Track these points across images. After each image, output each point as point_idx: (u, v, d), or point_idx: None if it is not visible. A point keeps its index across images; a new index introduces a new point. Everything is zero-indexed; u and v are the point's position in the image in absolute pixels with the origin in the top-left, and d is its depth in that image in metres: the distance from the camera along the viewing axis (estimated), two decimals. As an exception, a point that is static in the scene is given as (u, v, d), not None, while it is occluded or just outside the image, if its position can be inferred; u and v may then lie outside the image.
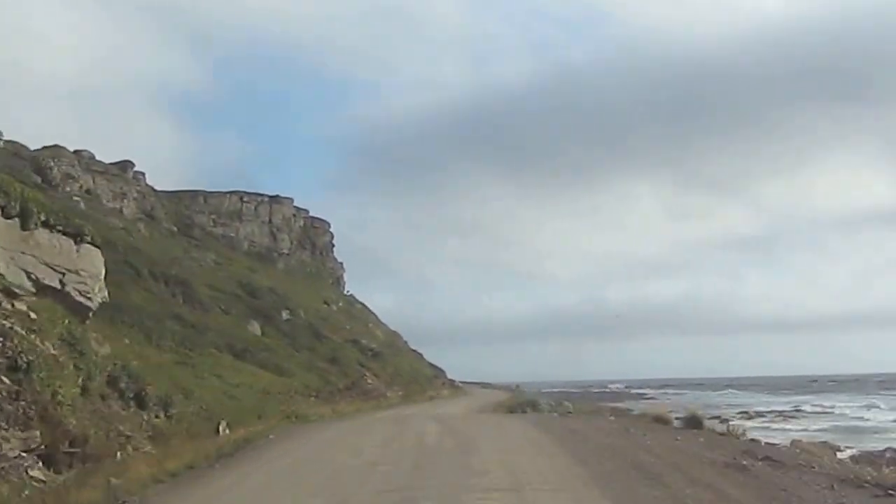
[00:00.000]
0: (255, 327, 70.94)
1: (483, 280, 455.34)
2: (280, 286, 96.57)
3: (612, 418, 43.01)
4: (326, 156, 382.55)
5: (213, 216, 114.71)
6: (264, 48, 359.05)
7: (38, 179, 77.50)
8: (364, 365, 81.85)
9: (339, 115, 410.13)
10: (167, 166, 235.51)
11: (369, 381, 78.29)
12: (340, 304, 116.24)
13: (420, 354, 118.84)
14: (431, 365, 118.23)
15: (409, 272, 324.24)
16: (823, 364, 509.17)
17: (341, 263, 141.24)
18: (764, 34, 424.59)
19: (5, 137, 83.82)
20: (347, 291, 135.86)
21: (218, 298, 73.01)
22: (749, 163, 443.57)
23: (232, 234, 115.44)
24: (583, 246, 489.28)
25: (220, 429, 30.09)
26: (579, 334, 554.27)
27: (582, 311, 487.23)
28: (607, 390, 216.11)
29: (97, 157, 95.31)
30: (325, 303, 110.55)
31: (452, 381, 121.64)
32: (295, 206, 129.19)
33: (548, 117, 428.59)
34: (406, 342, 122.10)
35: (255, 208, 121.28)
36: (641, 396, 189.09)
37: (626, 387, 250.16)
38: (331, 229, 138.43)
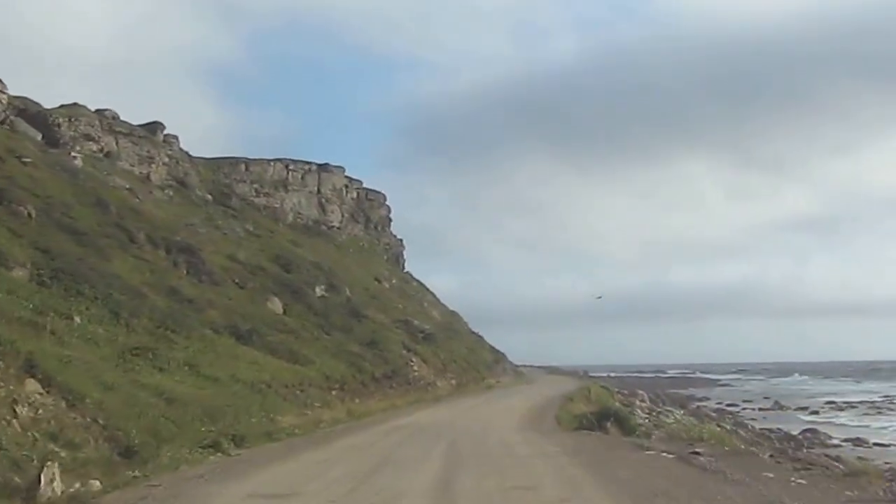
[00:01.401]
0: (275, 305, 57.60)
1: (542, 261, 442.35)
2: (325, 261, 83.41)
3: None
4: (376, 133, 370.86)
5: (255, 185, 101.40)
6: (304, 21, 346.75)
7: (39, 136, 64.97)
8: (411, 349, 68.42)
9: (385, 91, 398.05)
10: (205, 134, 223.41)
11: (415, 368, 65.00)
12: (394, 281, 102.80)
13: (480, 337, 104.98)
14: (492, 349, 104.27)
15: (468, 253, 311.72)
16: (891, 349, 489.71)
17: (401, 240, 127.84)
18: (821, 11, 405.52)
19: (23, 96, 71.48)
20: (405, 270, 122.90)
21: (234, 270, 59.75)
22: (808, 142, 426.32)
23: (276, 205, 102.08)
24: (642, 227, 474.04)
25: (43, 478, 15.84)
26: (641, 317, 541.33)
27: (644, 294, 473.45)
28: (675, 375, 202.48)
29: (123, 119, 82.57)
30: (377, 280, 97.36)
31: (515, 365, 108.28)
32: (347, 177, 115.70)
33: (600, 96, 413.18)
34: (466, 324, 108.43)
35: (303, 177, 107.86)
36: (715, 383, 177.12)
37: (693, 372, 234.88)
38: (387, 202, 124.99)
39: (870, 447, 64.36)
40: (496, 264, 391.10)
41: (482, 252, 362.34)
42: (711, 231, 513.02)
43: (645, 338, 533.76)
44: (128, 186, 66.48)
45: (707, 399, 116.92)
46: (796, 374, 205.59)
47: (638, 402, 77.71)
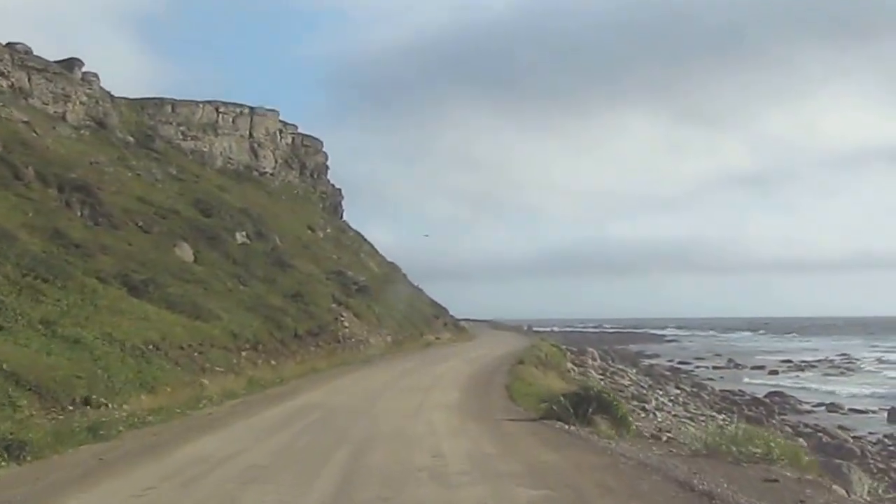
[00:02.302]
0: (184, 251, 49.29)
1: (481, 215, 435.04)
2: (254, 208, 75.09)
3: None
4: (309, 85, 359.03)
5: (182, 128, 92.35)
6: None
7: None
8: (342, 303, 60.49)
9: (318, 41, 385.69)
10: (130, 76, 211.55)
11: (346, 324, 57.10)
12: (329, 230, 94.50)
13: (420, 290, 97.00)
14: (433, 302, 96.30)
15: (405, 207, 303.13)
16: (827, 305, 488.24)
17: (339, 189, 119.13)
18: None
19: None
20: (343, 220, 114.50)
21: (139, 213, 51.30)
22: (747, 96, 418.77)
23: (204, 149, 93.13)
24: (582, 181, 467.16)
25: None
26: (581, 271, 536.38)
27: (584, 248, 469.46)
28: (620, 330, 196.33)
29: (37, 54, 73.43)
30: (311, 229, 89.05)
31: (456, 320, 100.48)
32: (281, 121, 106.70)
33: (535, 49, 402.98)
34: (405, 276, 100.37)
35: (233, 121, 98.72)
36: (662, 338, 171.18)
37: (638, 327, 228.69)
38: (324, 149, 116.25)
39: (845, 413, 57.98)
40: (435, 218, 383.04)
41: (420, 206, 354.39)
42: (651, 186, 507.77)
43: (585, 292, 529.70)
44: (25, 120, 57.65)
45: (657, 356, 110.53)
46: (746, 332, 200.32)
47: (590, 361, 70.79)
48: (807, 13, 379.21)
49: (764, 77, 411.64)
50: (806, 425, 50.21)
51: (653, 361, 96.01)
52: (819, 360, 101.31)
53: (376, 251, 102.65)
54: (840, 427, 50.12)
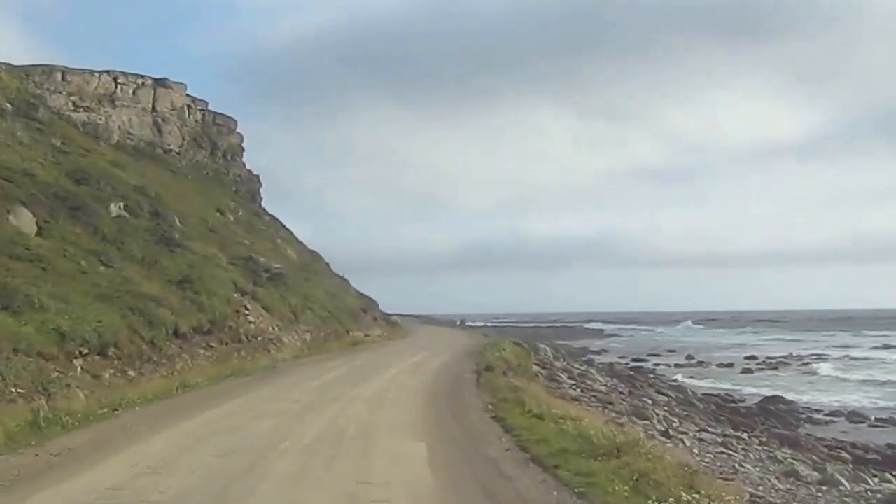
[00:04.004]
0: (22, 220, 34.70)
1: (398, 209, 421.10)
2: (155, 187, 60.76)
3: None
4: (207, 77, 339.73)
5: (73, 98, 77.66)
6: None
7: None
8: (248, 293, 46.40)
9: (215, 32, 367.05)
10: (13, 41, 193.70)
11: (251, 318, 43.08)
12: (241, 213, 79.96)
13: (345, 280, 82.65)
14: (360, 294, 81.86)
15: (316, 200, 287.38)
16: (741, 300, 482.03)
17: (257, 176, 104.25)
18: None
19: None
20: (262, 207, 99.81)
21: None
22: (654, 90, 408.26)
23: (100, 122, 78.49)
24: (497, 175, 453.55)
25: None
26: (503, 266, 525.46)
27: (504, 242, 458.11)
28: (557, 325, 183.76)
29: None
30: (220, 211, 74.64)
31: (386, 314, 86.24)
32: (189, 95, 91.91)
33: (439, 39, 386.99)
34: (328, 265, 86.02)
35: (134, 92, 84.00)
36: (602, 334, 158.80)
37: (555, 321, 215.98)
38: (238, 129, 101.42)
39: (875, 424, 45.31)
40: (349, 213, 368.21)
41: (333, 200, 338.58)
42: (565, 180, 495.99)
43: (507, 286, 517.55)
44: None
45: (605, 352, 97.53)
46: (679, 325, 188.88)
47: (555, 363, 57.36)
48: (714, 9, 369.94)
49: (672, 73, 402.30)
50: (855, 446, 37.04)
51: (603, 359, 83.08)
52: (783, 356, 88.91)
53: (295, 238, 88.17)
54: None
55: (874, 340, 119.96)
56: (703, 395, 54.66)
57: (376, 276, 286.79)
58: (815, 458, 32.45)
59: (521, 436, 16.67)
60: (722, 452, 29.00)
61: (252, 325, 42.48)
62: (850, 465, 31.35)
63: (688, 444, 29.01)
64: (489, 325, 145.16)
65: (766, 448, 33.45)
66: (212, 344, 35.97)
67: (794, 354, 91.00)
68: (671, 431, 31.11)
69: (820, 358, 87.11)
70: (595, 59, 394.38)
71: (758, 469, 25.72)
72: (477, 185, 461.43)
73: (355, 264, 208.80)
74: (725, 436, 35.63)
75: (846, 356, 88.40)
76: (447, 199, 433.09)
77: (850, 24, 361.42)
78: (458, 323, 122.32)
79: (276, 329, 45.38)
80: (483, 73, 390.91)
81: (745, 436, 36.78)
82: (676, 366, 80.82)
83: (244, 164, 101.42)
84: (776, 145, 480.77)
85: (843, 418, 46.80)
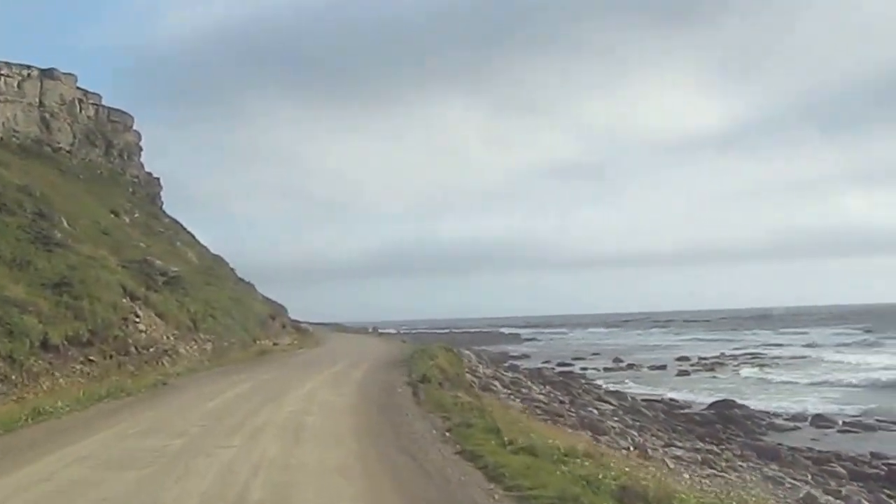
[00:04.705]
0: None
1: (303, 214, 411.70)
2: (41, 186, 54.13)
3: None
4: (96, 78, 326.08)
5: (-53, 91, 70.55)
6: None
7: None
8: (140, 298, 40.14)
9: (103, 31, 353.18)
10: None
11: (142, 326, 36.83)
12: (137, 215, 73.24)
13: (251, 285, 76.23)
14: (267, 300, 75.47)
15: (218, 207, 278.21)
16: (661, 301, 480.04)
17: (158, 179, 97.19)
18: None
19: None
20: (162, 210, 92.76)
21: None
22: (571, 85, 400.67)
23: (-21, 118, 71.41)
24: (406, 176, 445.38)
25: None
26: (414, 271, 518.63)
27: (414, 246, 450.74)
28: (472, 330, 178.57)
29: None
30: (114, 213, 67.96)
31: (297, 322, 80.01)
32: (80, 88, 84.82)
33: (338, 36, 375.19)
34: (233, 270, 79.55)
35: (19, 85, 76.88)
36: (519, 338, 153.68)
37: (471, 326, 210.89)
38: (135, 127, 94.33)
39: (844, 429, 40.84)
40: (254, 218, 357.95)
41: (237, 205, 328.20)
42: (476, 180, 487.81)
43: (417, 292, 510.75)
44: None
45: (527, 357, 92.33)
46: (600, 328, 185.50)
47: (481, 370, 51.90)
48: None
49: (586, 65, 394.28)
50: (841, 457, 32.20)
51: (527, 364, 77.68)
52: (718, 355, 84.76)
53: (197, 242, 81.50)
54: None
55: (801, 338, 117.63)
56: (646, 401, 49.68)
57: (284, 284, 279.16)
58: (808, 474, 27.53)
59: (520, 489, 11.00)
60: (712, 474, 23.84)
61: (143, 335, 36.32)
62: (858, 484, 26.47)
63: (671, 465, 23.69)
64: (402, 331, 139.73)
65: (750, 464, 28.45)
66: (91, 357, 29.89)
67: (727, 354, 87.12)
68: (650, 451, 25.73)
69: (755, 357, 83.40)
70: (506, 51, 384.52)
71: (772, 498, 20.47)
72: (385, 188, 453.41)
73: (262, 271, 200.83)
74: (696, 450, 30.60)
75: (781, 356, 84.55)
76: (355, 202, 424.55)
77: (779, 7, 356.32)
78: (371, 330, 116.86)
79: (172, 338, 39.26)
80: (390, 70, 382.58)
81: (717, 449, 31.77)
82: (606, 370, 75.95)
83: (142, 166, 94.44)
84: (697, 136, 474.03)
85: (806, 423, 42.22)
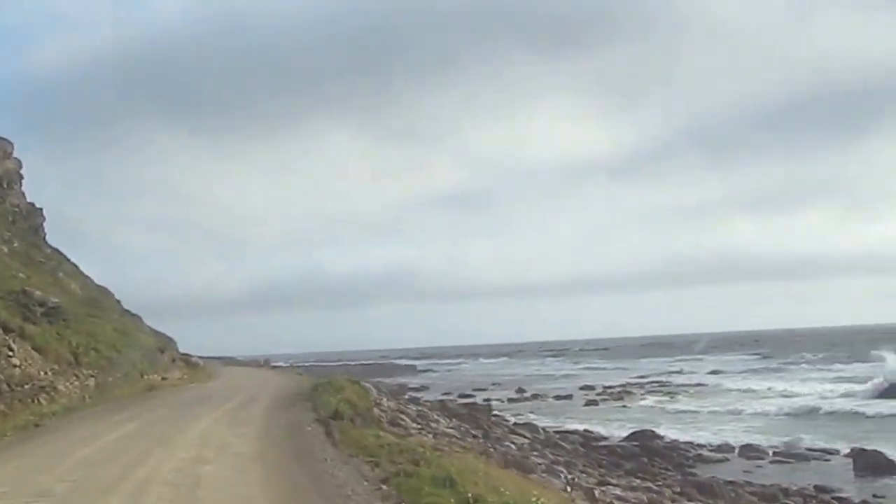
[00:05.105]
0: None
1: (189, 246, 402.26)
2: None
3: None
4: None
5: None
6: None
7: None
8: (15, 330, 36.06)
9: None
10: None
11: (16, 360, 32.78)
12: (16, 244, 68.38)
13: (138, 317, 71.72)
14: (156, 333, 71.04)
15: (99, 240, 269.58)
16: (554, 330, 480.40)
17: (40, 209, 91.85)
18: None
19: None
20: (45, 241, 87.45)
21: None
22: (459, 112, 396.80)
23: None
24: (290, 207, 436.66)
25: None
26: (302, 303, 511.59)
27: (301, 278, 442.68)
28: (366, 363, 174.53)
29: None
30: (-10, 243, 63.21)
31: (187, 355, 75.66)
32: (-48, 113, 79.80)
33: (219, 62, 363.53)
34: (119, 302, 74.94)
35: None
36: (415, 370, 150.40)
37: (365, 359, 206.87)
38: (14, 154, 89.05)
39: (776, 460, 38.56)
40: (139, 250, 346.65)
41: (122, 237, 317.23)
42: (364, 211, 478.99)
43: (307, 325, 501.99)
44: None
45: (426, 389, 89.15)
46: (497, 358, 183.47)
47: (385, 402, 48.55)
48: (517, 24, 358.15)
49: (474, 93, 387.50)
50: (788, 492, 29.73)
51: (428, 396, 74.45)
52: (624, 386, 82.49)
53: (81, 272, 76.74)
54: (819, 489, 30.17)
55: (700, 365, 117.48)
56: (559, 433, 46.92)
57: (173, 316, 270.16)
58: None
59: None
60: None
61: (17, 370, 32.28)
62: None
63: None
64: (294, 364, 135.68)
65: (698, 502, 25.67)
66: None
67: (632, 383, 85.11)
68: (596, 493, 22.69)
69: (662, 385, 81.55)
70: (393, 79, 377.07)
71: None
72: (273, 219, 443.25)
73: (150, 304, 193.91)
74: (633, 488, 27.75)
75: (687, 383, 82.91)
76: (243, 234, 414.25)
77: (668, 35, 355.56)
78: (263, 363, 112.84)
79: (50, 374, 35.21)
80: (276, 99, 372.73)
81: (655, 486, 28.97)
82: (510, 400, 73.13)
83: (24, 195, 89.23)
84: (586, 164, 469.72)
85: (734, 454, 39.81)
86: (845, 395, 63.64)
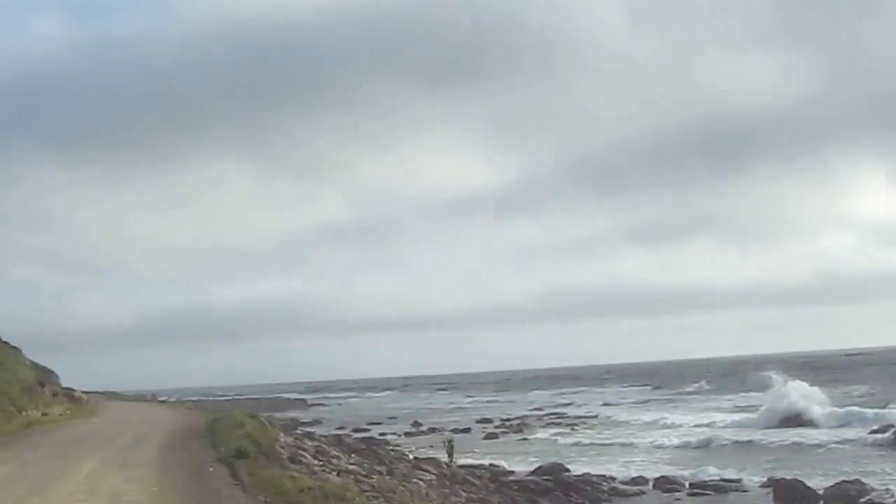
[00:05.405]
0: None
1: (71, 279, 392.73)
2: None
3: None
4: None
5: None
6: None
7: None
8: None
9: None
10: None
11: None
12: None
13: (17, 349, 67.71)
14: (36, 366, 67.09)
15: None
16: (440, 363, 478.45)
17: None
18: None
19: None
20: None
21: None
22: (345, 143, 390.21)
23: None
24: (179, 238, 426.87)
25: None
26: (189, 336, 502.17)
27: (189, 312, 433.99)
28: (257, 397, 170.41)
29: None
30: None
31: (70, 389, 71.82)
32: None
33: (103, 91, 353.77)
34: (-3, 335, 70.75)
35: None
36: (305, 403, 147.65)
37: (252, 393, 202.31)
38: None
39: (694, 492, 37.08)
40: (18, 283, 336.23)
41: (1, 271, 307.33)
42: (251, 244, 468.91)
43: (193, 359, 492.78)
44: None
45: (319, 423, 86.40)
46: (385, 391, 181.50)
47: (282, 438, 45.82)
48: (405, 58, 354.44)
49: (363, 126, 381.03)
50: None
51: (322, 431, 71.59)
52: (521, 418, 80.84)
53: (-44, 304, 72.52)
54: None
55: (595, 397, 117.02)
56: (464, 467, 44.60)
57: (55, 350, 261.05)
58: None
59: None
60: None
61: None
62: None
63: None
64: (182, 399, 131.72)
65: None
66: None
67: (530, 415, 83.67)
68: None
69: (560, 417, 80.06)
70: (281, 111, 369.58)
71: None
72: (157, 252, 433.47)
73: (31, 336, 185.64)
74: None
75: (585, 415, 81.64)
76: (127, 267, 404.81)
77: (557, 70, 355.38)
78: (150, 398, 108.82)
79: None
80: (162, 130, 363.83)
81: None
82: (407, 434, 70.84)
83: None
84: (475, 198, 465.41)
85: (649, 486, 38.07)
86: (741, 425, 63.05)
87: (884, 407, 64.41)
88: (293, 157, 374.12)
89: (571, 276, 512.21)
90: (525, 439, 62.66)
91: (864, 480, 33.89)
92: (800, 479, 34.79)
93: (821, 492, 32.32)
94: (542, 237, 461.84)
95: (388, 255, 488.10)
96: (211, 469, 19.30)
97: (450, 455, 44.81)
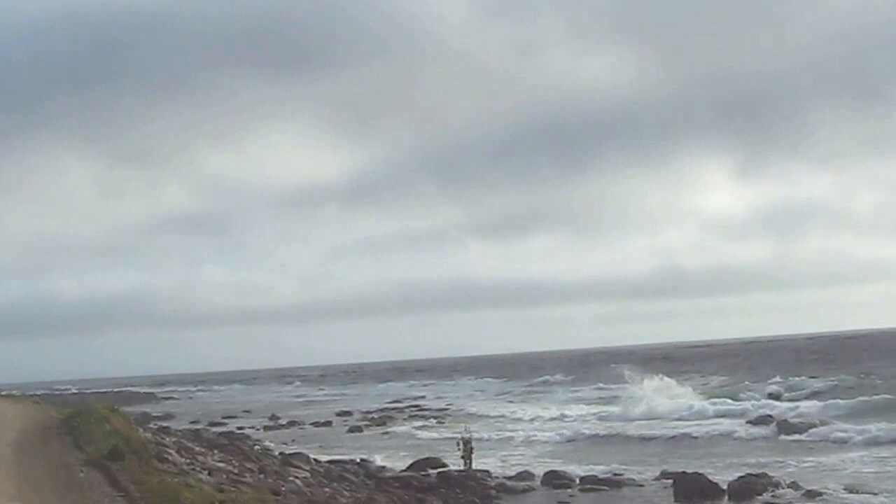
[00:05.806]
0: None
1: None
2: None
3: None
4: None
5: None
6: None
7: None
8: None
9: None
10: None
11: None
12: None
13: None
14: None
15: None
16: (287, 356, 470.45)
17: None
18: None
19: None
20: None
21: None
22: (189, 135, 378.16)
23: None
24: (12, 230, 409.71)
25: None
26: (27, 331, 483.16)
27: (23, 305, 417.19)
28: (104, 391, 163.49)
29: None
30: None
31: None
32: None
33: None
34: None
35: None
36: (154, 397, 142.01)
37: (80, 389, 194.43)
38: None
39: (588, 488, 35.05)
40: None
41: None
42: (92, 235, 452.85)
43: (30, 353, 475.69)
44: None
45: (171, 417, 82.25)
46: (236, 384, 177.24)
47: (142, 433, 42.25)
48: (249, 46, 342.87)
49: (206, 115, 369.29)
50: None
51: (176, 425, 67.74)
52: (382, 411, 78.19)
53: None
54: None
55: (447, 390, 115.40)
56: (334, 463, 41.88)
57: None
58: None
59: None
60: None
61: None
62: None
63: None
64: (26, 394, 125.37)
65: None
66: None
67: (391, 408, 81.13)
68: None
69: (422, 410, 77.58)
70: (124, 99, 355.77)
71: None
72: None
73: None
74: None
75: (446, 408, 79.41)
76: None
77: (404, 61, 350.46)
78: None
79: None
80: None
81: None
82: (266, 428, 67.47)
83: None
84: (320, 189, 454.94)
85: (537, 482, 35.72)
86: (608, 418, 61.48)
87: (738, 400, 64.59)
88: (137, 147, 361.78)
89: (420, 270, 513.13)
90: (392, 432, 60.04)
91: (771, 473, 32.52)
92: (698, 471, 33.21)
93: (724, 486, 30.50)
94: (389, 230, 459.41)
95: (236, 246, 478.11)
96: (82, 474, 16.16)
97: (467, 459, 38.78)
